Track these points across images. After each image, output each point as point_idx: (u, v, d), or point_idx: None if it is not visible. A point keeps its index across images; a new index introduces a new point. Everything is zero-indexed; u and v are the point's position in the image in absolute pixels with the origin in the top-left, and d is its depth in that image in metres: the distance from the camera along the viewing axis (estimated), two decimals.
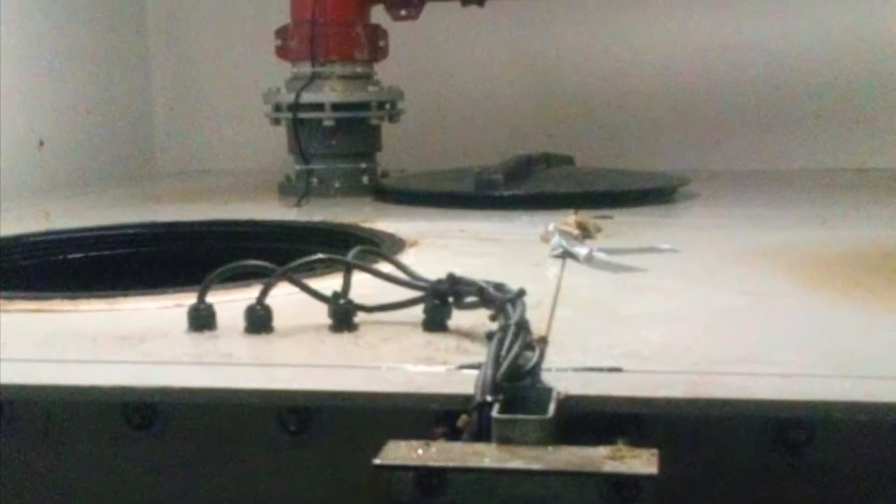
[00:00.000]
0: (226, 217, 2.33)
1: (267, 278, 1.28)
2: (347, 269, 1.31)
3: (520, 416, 0.89)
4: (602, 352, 1.14)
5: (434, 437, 0.92)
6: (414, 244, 1.89)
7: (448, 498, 0.85)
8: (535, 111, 3.45)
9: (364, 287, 1.31)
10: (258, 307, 1.26)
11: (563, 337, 1.21)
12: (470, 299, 1.23)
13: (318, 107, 2.69)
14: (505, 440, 0.88)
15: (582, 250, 1.71)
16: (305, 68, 2.72)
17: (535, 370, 1.02)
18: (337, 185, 2.74)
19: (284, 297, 1.30)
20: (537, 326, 1.19)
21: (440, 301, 1.25)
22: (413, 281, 1.32)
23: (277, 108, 2.76)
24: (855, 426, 0.96)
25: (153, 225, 2.26)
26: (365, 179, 2.77)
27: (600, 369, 1.07)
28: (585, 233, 1.91)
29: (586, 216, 2.02)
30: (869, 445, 0.96)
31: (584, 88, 3.43)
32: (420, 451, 0.87)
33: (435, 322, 1.24)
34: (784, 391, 0.99)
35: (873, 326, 1.29)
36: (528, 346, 1.06)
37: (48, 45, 3.04)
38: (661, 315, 1.37)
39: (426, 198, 2.55)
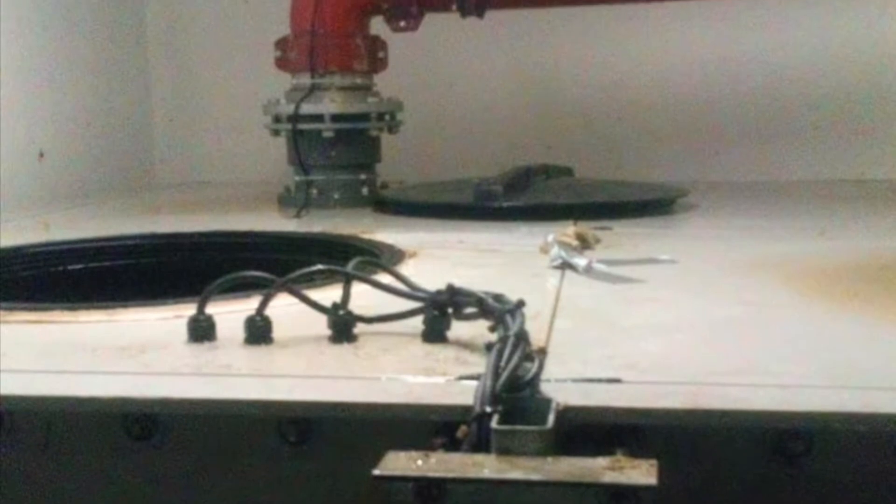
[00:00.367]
0: (225, 228, 2.33)
1: (266, 289, 1.28)
2: (347, 280, 1.31)
3: (519, 427, 0.89)
4: (601, 363, 1.14)
5: (433, 448, 0.92)
6: (413, 255, 1.90)
7: None
8: (534, 122, 3.46)
9: (363, 298, 1.31)
10: (258, 318, 1.26)
11: (563, 348, 1.21)
12: (469, 310, 1.23)
13: (318, 118, 2.70)
14: (504, 451, 0.88)
15: (581, 261, 1.71)
16: (305, 79, 2.73)
17: (535, 381, 1.02)
18: (336, 196, 2.74)
19: (284, 308, 1.30)
20: (536, 337, 1.19)
21: (439, 312, 1.25)
22: (412, 292, 1.32)
23: (277, 119, 2.76)
24: (853, 437, 0.96)
25: (153, 236, 2.26)
26: (364, 190, 2.77)
27: (599, 380, 1.07)
28: (584, 244, 1.91)
29: (585, 227, 2.02)
30: (867, 456, 0.96)
31: (583, 100, 3.44)
32: (419, 462, 0.87)
33: (434, 333, 1.25)
34: (782, 402, 1.00)
35: (871, 337, 1.29)
36: (528, 356, 1.06)
37: (48, 57, 3.05)
38: (659, 326, 1.37)
39: (425, 209, 2.55)
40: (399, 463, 0.87)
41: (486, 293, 1.22)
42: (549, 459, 0.87)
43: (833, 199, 2.87)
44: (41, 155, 2.97)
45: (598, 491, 0.83)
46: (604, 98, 3.42)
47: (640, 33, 3.34)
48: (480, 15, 2.73)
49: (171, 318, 1.39)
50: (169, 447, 1.05)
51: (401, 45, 2.90)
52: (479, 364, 1.08)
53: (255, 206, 2.86)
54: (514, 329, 1.10)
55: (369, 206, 2.72)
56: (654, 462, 0.86)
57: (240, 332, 1.26)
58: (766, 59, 3.30)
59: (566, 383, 1.06)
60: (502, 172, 2.66)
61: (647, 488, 0.83)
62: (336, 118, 2.70)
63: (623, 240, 2.05)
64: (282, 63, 2.80)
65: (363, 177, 2.78)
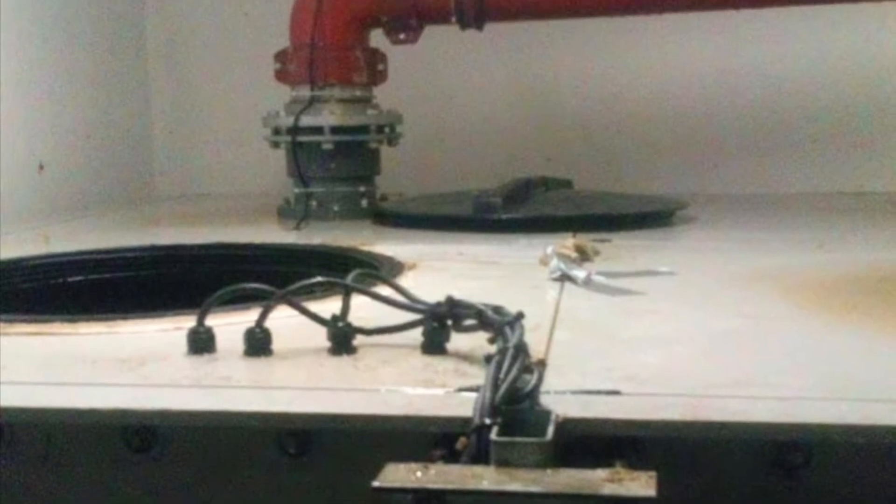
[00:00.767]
0: (225, 240, 2.33)
1: (266, 301, 1.28)
2: (346, 293, 1.31)
3: (518, 439, 0.89)
4: (600, 374, 1.15)
5: (433, 460, 0.92)
6: (413, 267, 1.90)
7: None
8: (533, 135, 3.46)
9: (363, 310, 1.31)
10: (257, 330, 1.26)
11: (562, 360, 1.21)
12: (468, 322, 1.23)
13: (317, 130, 2.70)
14: (503, 463, 0.88)
15: (580, 273, 1.71)
16: (304, 92, 2.73)
17: (534, 393, 1.02)
18: (336, 208, 2.75)
19: (284, 320, 1.30)
20: (536, 349, 1.20)
21: (439, 324, 1.25)
22: (412, 304, 1.32)
23: (276, 131, 2.76)
24: (852, 449, 0.96)
25: (153, 248, 2.26)
26: (364, 203, 2.78)
27: (598, 392, 1.07)
28: (584, 256, 1.92)
29: (585, 239, 2.02)
30: (866, 468, 0.96)
31: (582, 112, 3.44)
32: (419, 474, 0.87)
33: (434, 345, 1.25)
34: (781, 414, 1.00)
35: (870, 350, 1.30)
36: (527, 368, 1.06)
37: (48, 69, 3.05)
38: (659, 338, 1.37)
39: (425, 221, 2.56)
40: (398, 475, 0.87)
41: (486, 305, 1.23)
42: (549, 471, 0.87)
43: (832, 211, 2.87)
44: (41, 167, 2.98)
45: (598, 503, 0.84)
46: (603, 110, 3.43)
47: (639, 46, 3.35)
48: (480, 27, 2.74)
49: (171, 330, 1.39)
50: (168, 459, 1.05)
51: (400, 58, 2.90)
52: (479, 376, 1.08)
53: (255, 218, 2.86)
54: (513, 341, 1.10)
55: (369, 218, 2.73)
56: (653, 474, 0.86)
57: (239, 344, 1.26)
58: (765, 71, 3.30)
59: (565, 395, 1.06)
60: (502, 184, 2.67)
61: (647, 500, 0.83)
62: (335, 130, 2.70)
63: (622, 252, 2.05)
64: (281, 75, 2.81)
65: (362, 189, 2.78)
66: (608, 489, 0.84)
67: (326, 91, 2.72)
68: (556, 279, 1.73)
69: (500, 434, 0.91)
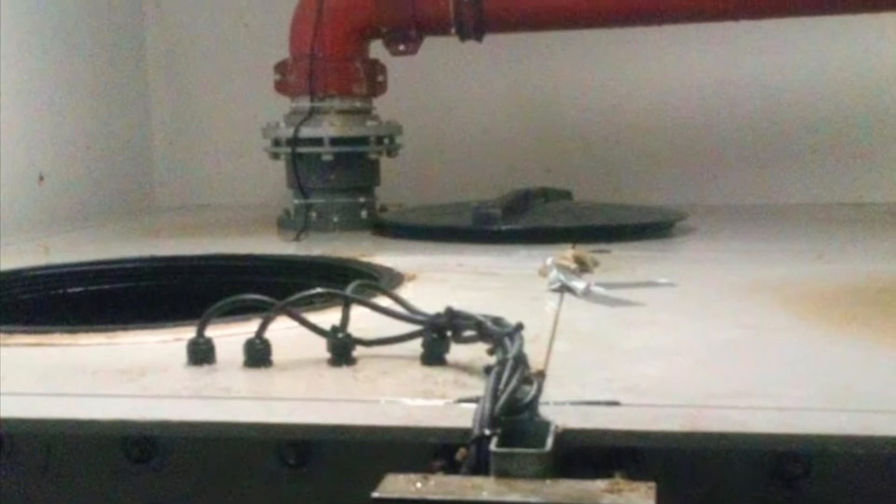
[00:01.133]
0: (225, 251, 2.33)
1: (266, 312, 1.28)
2: (346, 304, 1.31)
3: (518, 450, 0.89)
4: (600, 385, 1.15)
5: (432, 471, 0.92)
6: (412, 278, 1.90)
7: None
8: (532, 146, 3.47)
9: (363, 321, 1.31)
10: (257, 341, 1.26)
11: (561, 371, 1.22)
12: (468, 333, 1.23)
13: (317, 141, 2.70)
14: (503, 474, 0.88)
15: (580, 284, 1.71)
16: (304, 103, 2.73)
17: (533, 404, 1.02)
18: (335, 219, 2.75)
19: (283, 331, 1.30)
20: (535, 360, 1.20)
21: (438, 335, 1.25)
22: (411, 315, 1.33)
23: (276, 142, 2.77)
24: (851, 460, 0.96)
25: (152, 259, 2.26)
26: (363, 214, 2.78)
27: (598, 403, 1.07)
28: (583, 267, 1.92)
29: (584, 250, 2.02)
30: (865, 479, 0.96)
31: (581, 123, 3.45)
32: (418, 485, 0.87)
33: (433, 356, 1.25)
34: (781, 425, 1.00)
35: (870, 360, 1.30)
36: (527, 379, 1.06)
37: (48, 81, 3.06)
38: (658, 349, 1.38)
39: (424, 232, 2.56)
40: (398, 485, 0.87)
41: (485, 316, 1.23)
42: (548, 482, 0.87)
43: (831, 222, 2.88)
44: (41, 178, 2.98)
45: None
46: (602, 121, 3.43)
47: (638, 57, 3.35)
48: (479, 39, 2.74)
49: (171, 341, 1.40)
50: (168, 470, 1.05)
51: (400, 69, 2.91)
52: (478, 387, 1.08)
53: (255, 229, 2.86)
54: (512, 352, 1.10)
55: (368, 229, 2.73)
56: (652, 485, 0.86)
57: (239, 355, 1.26)
58: (764, 82, 3.31)
59: (565, 406, 1.06)
60: (501, 196, 2.67)
61: None
62: (335, 142, 2.71)
63: (621, 263, 2.05)
64: (281, 86, 2.81)
65: (362, 200, 2.79)
66: (607, 500, 0.84)
67: (326, 102, 2.73)
68: (555, 290, 1.73)
69: (499, 445, 0.91)
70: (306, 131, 2.70)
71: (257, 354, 1.26)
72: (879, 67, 3.24)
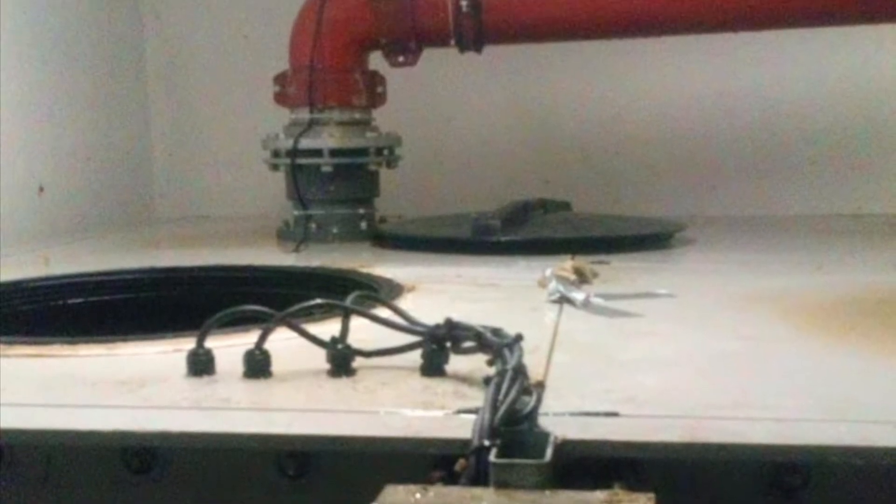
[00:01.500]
0: (224, 262, 2.33)
1: (265, 323, 1.28)
2: (345, 315, 1.31)
3: (517, 461, 0.90)
4: (599, 396, 1.15)
5: (432, 482, 0.93)
6: (412, 289, 1.90)
7: None
8: (532, 157, 3.47)
9: (362, 332, 1.32)
10: (257, 352, 1.26)
11: (561, 382, 1.22)
12: (467, 344, 1.23)
13: (317, 153, 2.70)
14: (502, 484, 0.89)
15: (579, 295, 1.71)
16: (304, 114, 2.74)
17: (533, 415, 1.02)
18: (335, 230, 2.75)
19: (283, 342, 1.30)
20: (534, 371, 1.20)
21: (438, 346, 1.26)
22: (411, 326, 1.33)
23: (276, 154, 2.77)
24: (850, 470, 0.96)
25: (152, 270, 2.27)
26: (363, 225, 2.78)
27: (597, 414, 1.07)
28: (582, 278, 1.92)
29: (583, 261, 2.02)
30: (864, 490, 0.97)
31: (580, 134, 3.45)
32: (418, 496, 0.88)
33: (433, 367, 1.25)
34: (780, 436, 1.00)
35: (868, 371, 1.30)
36: (526, 390, 1.06)
37: (48, 92, 3.06)
38: (657, 360, 1.38)
39: (424, 243, 2.56)
40: (398, 496, 0.88)
41: (485, 327, 1.23)
42: (547, 493, 0.88)
43: (830, 233, 2.88)
44: (41, 189, 2.98)
45: None
46: (601, 133, 3.44)
47: (637, 68, 3.36)
48: (479, 50, 2.75)
49: (171, 352, 1.40)
50: (168, 481, 1.06)
51: (399, 80, 2.91)
52: (478, 398, 1.08)
53: (254, 240, 2.86)
54: (512, 363, 1.10)
55: (368, 240, 2.73)
56: (651, 496, 0.86)
57: (239, 366, 1.26)
58: (763, 93, 3.31)
59: (564, 417, 1.06)
60: (500, 207, 2.67)
61: None
62: (335, 153, 2.71)
63: (621, 274, 2.05)
64: (281, 98, 2.81)
65: (362, 211, 2.79)
66: None
67: (326, 114, 2.73)
68: (554, 301, 1.73)
69: (498, 456, 0.91)
70: (306, 142, 2.70)
71: (257, 365, 1.26)
72: (878, 79, 3.25)
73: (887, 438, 0.98)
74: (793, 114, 3.31)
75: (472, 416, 1.00)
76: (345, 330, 1.29)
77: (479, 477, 0.91)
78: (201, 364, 1.28)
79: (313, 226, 2.74)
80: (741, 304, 1.74)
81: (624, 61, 3.34)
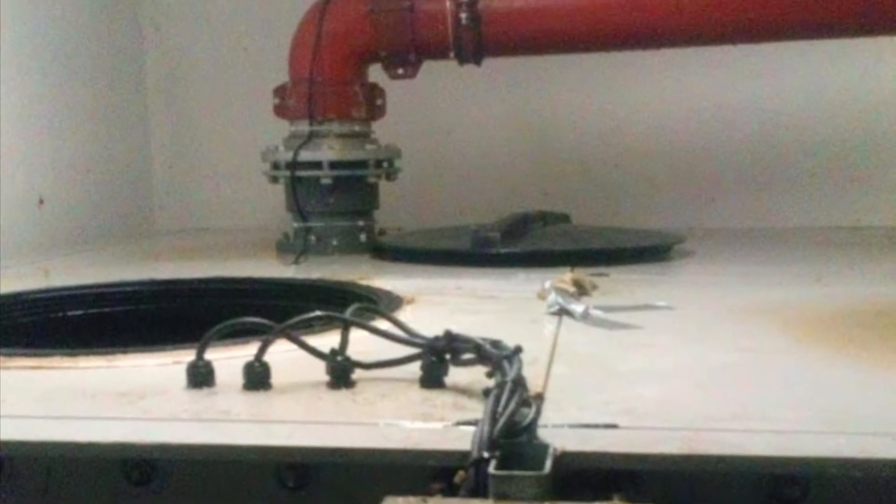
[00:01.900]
0: (224, 274, 2.33)
1: (265, 335, 1.28)
2: (345, 327, 1.31)
3: (516, 473, 0.90)
4: (598, 408, 1.15)
5: (431, 493, 0.93)
6: (411, 301, 1.90)
7: None
8: (531, 169, 3.48)
9: (362, 344, 1.32)
10: (256, 364, 1.26)
11: (560, 393, 1.22)
12: (467, 356, 1.23)
13: (316, 165, 2.71)
14: (502, 496, 0.89)
15: (578, 307, 1.72)
16: (303, 127, 2.74)
17: (532, 426, 1.02)
18: (335, 242, 2.75)
19: (283, 354, 1.30)
20: (534, 383, 1.20)
21: (437, 358, 1.26)
22: (410, 338, 1.33)
23: (275, 166, 2.77)
24: (849, 482, 0.96)
25: (152, 282, 2.27)
26: (362, 237, 2.78)
27: (596, 426, 1.07)
28: (581, 290, 1.92)
29: (582, 274, 2.03)
30: (863, 501, 0.97)
31: (579, 147, 3.46)
32: None
33: (432, 379, 1.25)
34: (779, 447, 1.00)
35: (867, 383, 1.30)
36: (525, 402, 1.06)
37: (48, 104, 3.07)
38: (656, 372, 1.38)
39: (423, 255, 2.56)
40: None
41: (484, 339, 1.23)
42: None
43: (829, 245, 2.88)
44: (41, 201, 2.98)
45: None
46: (601, 145, 3.44)
47: (636, 81, 3.36)
48: (478, 62, 2.75)
49: (171, 364, 1.40)
50: (168, 492, 1.05)
51: (399, 93, 2.92)
52: (477, 410, 1.08)
53: (254, 252, 2.86)
54: (511, 375, 1.10)
55: (367, 252, 2.73)
56: None
57: (239, 378, 1.26)
58: (761, 106, 3.32)
59: (563, 429, 1.06)
60: (500, 219, 2.67)
61: None
62: (334, 165, 2.71)
63: (620, 286, 2.06)
64: (280, 110, 2.82)
65: (361, 223, 2.79)
66: None
67: (325, 126, 2.74)
68: (554, 313, 1.74)
69: (498, 468, 0.91)
70: (305, 155, 2.70)
71: (257, 377, 1.26)
72: (877, 91, 3.26)
73: (886, 450, 0.98)
74: (792, 126, 3.31)
75: (472, 428, 1.00)
76: (344, 342, 1.29)
77: (478, 489, 0.91)
78: (201, 376, 1.28)
79: (313, 238, 2.74)
80: (740, 317, 1.74)
81: (623, 74, 3.35)
